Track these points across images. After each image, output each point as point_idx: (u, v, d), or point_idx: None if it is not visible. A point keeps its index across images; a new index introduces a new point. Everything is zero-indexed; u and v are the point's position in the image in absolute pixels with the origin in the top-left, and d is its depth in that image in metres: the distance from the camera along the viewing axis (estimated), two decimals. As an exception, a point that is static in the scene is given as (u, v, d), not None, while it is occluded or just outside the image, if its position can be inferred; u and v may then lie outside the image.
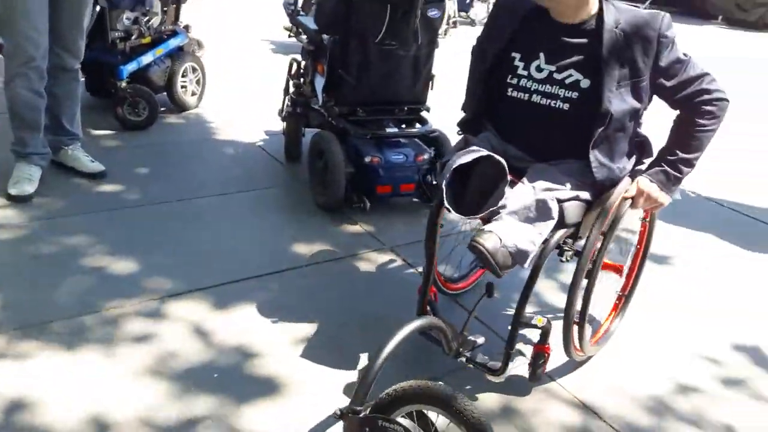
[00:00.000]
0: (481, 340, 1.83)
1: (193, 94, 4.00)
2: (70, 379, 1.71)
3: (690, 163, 1.79)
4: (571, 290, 1.78)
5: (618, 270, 2.19)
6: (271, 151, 3.54)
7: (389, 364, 1.36)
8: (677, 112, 1.82)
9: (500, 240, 1.59)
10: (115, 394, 1.67)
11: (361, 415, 1.34)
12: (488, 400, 1.83)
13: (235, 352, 1.91)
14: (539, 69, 1.81)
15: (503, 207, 1.68)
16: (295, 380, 1.82)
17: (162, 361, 1.83)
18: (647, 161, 1.89)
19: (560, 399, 1.87)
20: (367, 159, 2.74)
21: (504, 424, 1.74)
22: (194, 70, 3.94)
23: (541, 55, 1.80)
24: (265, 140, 3.69)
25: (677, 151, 1.78)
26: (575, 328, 1.85)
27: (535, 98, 1.80)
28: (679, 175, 1.78)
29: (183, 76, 3.84)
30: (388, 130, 2.85)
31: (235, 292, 2.20)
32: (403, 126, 2.96)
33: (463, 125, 2.00)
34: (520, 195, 1.70)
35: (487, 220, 1.70)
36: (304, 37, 3.16)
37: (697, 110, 1.76)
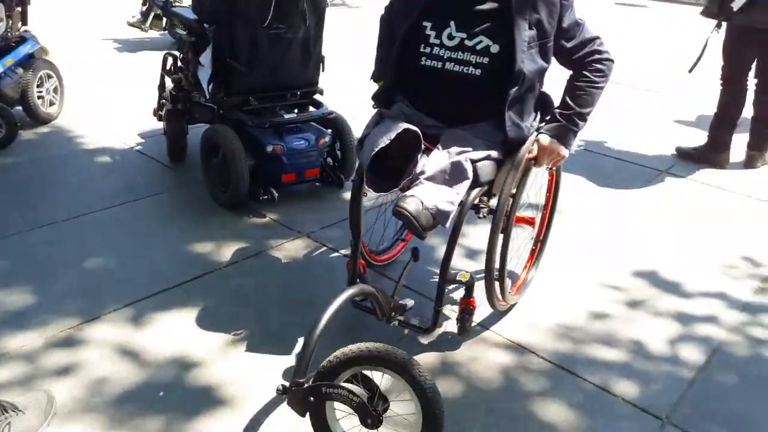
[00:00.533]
0: (411, 302, 1.91)
1: (52, 103, 3.63)
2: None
3: (584, 117, 1.90)
4: (489, 246, 1.85)
5: (530, 222, 2.32)
6: (151, 153, 3.31)
7: (324, 339, 1.37)
8: (570, 71, 1.94)
9: (421, 203, 1.62)
10: (50, 437, 1.50)
11: (304, 386, 1.37)
12: (428, 359, 1.88)
13: (172, 365, 1.79)
14: (450, 37, 1.83)
15: (422, 173, 1.71)
16: (240, 380, 1.74)
17: (94, 391, 1.67)
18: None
19: (492, 343, 1.98)
20: (269, 148, 2.66)
21: (447, 377, 1.81)
22: (50, 77, 3.58)
23: (452, 23, 1.83)
24: (142, 143, 3.45)
25: (573, 106, 1.88)
26: (496, 282, 1.94)
27: (448, 66, 1.83)
28: (575, 128, 1.90)
29: (39, 85, 3.47)
30: (286, 116, 2.77)
31: (155, 305, 2.05)
32: (296, 111, 2.90)
33: (377, 98, 2.00)
34: (435, 160, 1.74)
35: (407, 188, 1.72)
36: (179, 30, 2.97)
37: (589, 68, 1.87)
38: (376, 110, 1.96)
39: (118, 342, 1.86)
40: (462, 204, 1.72)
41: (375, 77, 2.13)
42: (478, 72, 1.81)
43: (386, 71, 2.01)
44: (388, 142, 1.66)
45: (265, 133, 2.71)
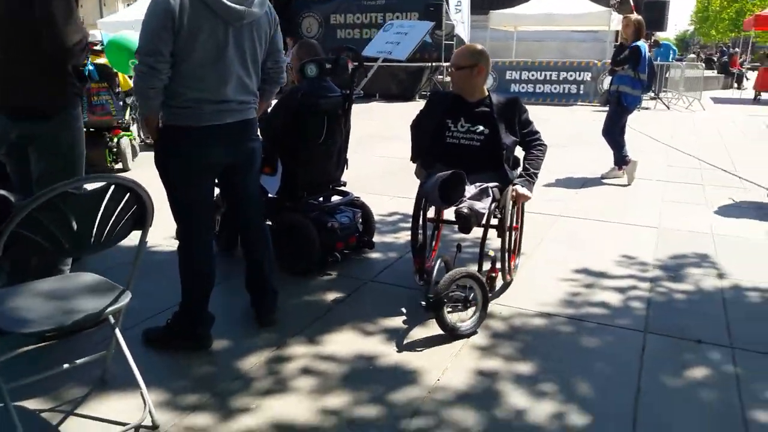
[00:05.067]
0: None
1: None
2: None
3: (537, 175, 3.40)
4: (502, 237, 3.27)
5: (516, 228, 3.69)
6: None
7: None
8: (526, 150, 3.43)
9: (471, 209, 2.95)
10: None
11: (441, 296, 2.68)
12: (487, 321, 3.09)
13: (358, 358, 2.79)
14: (462, 125, 3.33)
15: (465, 197, 3.05)
16: (417, 353, 2.81)
17: (327, 374, 2.63)
18: (518, 170, 3.44)
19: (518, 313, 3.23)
20: (329, 225, 3.75)
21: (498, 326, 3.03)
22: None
23: (462, 118, 3.32)
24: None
25: (530, 169, 3.37)
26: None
27: (463, 141, 3.32)
28: (534, 180, 3.37)
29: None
30: (334, 201, 3.91)
31: (319, 329, 3.02)
32: (330, 198, 4.04)
33: (422, 164, 3.41)
34: (470, 189, 3.09)
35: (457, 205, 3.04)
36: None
37: (534, 149, 3.40)
38: (423, 171, 3.36)
39: (313, 352, 2.82)
40: (488, 210, 3.10)
41: (413, 158, 3.50)
42: (478, 144, 3.28)
43: (423, 150, 3.41)
44: (448, 175, 2.97)
45: (323, 215, 3.81)
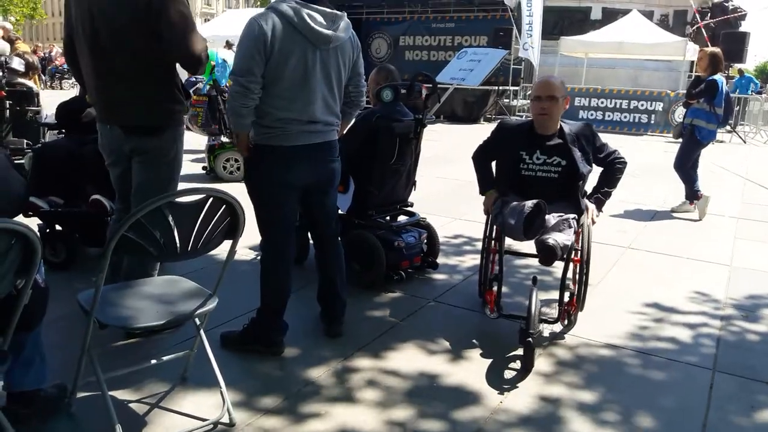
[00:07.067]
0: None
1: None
2: None
3: (611, 194, 3.42)
4: (580, 273, 3.27)
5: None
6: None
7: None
8: (605, 167, 3.42)
9: (557, 241, 2.95)
10: None
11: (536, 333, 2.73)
12: (556, 350, 3.10)
13: (421, 375, 2.87)
14: (538, 158, 3.30)
15: (546, 227, 3.05)
16: (476, 375, 2.86)
17: (389, 388, 2.72)
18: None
19: (584, 344, 3.22)
20: (395, 243, 3.86)
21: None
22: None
23: (538, 150, 3.30)
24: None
25: (605, 188, 3.40)
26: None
27: (539, 174, 3.30)
28: (605, 199, 3.41)
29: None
30: (402, 221, 4.03)
31: (382, 344, 3.13)
32: (397, 218, 4.16)
33: (490, 195, 3.43)
34: (550, 219, 3.09)
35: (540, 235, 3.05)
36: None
37: (614, 166, 3.38)
38: (497, 200, 3.32)
39: (378, 366, 2.92)
40: (571, 242, 3.08)
41: (482, 191, 3.50)
42: (556, 176, 3.28)
43: (489, 183, 3.47)
44: (531, 207, 2.97)
45: (390, 233, 3.92)
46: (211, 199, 2.08)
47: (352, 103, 3.08)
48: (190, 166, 7.80)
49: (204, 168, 7.38)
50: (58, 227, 3.98)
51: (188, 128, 8.11)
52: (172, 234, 2.04)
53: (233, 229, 2.24)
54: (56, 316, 2.82)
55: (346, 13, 2.86)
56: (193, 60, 2.76)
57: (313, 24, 2.64)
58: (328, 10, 2.71)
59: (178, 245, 2.08)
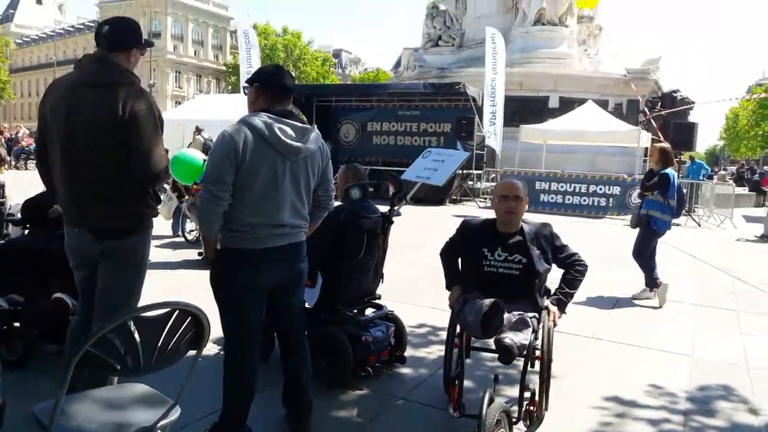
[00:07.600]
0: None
1: None
2: None
3: (572, 295, 3.49)
4: (542, 370, 3.27)
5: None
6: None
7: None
8: (566, 269, 3.52)
9: (514, 341, 2.99)
10: None
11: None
12: None
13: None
14: (499, 255, 3.41)
15: (504, 326, 3.10)
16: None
17: None
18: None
19: None
20: (363, 339, 3.86)
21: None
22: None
23: (499, 247, 3.42)
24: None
25: (566, 288, 3.47)
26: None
27: (501, 270, 3.40)
28: (567, 300, 3.47)
29: None
30: (369, 315, 4.04)
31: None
32: (365, 311, 4.18)
33: (455, 291, 3.47)
34: (512, 318, 3.14)
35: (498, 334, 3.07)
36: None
37: (574, 268, 3.48)
38: (460, 296, 3.35)
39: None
40: (529, 342, 3.12)
41: (449, 286, 3.57)
42: (516, 272, 3.37)
43: (455, 279, 3.53)
44: (488, 306, 3.01)
45: (357, 328, 3.93)
46: (177, 312, 2.09)
47: (320, 206, 3.17)
48: (185, 253, 7.84)
49: (199, 254, 7.33)
50: (16, 323, 3.88)
51: (187, 216, 8.20)
52: (136, 349, 2.03)
53: (198, 339, 2.24)
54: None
55: (315, 126, 3.00)
56: (153, 177, 2.85)
57: (283, 137, 2.76)
58: (299, 124, 2.85)
59: (141, 360, 2.06)
